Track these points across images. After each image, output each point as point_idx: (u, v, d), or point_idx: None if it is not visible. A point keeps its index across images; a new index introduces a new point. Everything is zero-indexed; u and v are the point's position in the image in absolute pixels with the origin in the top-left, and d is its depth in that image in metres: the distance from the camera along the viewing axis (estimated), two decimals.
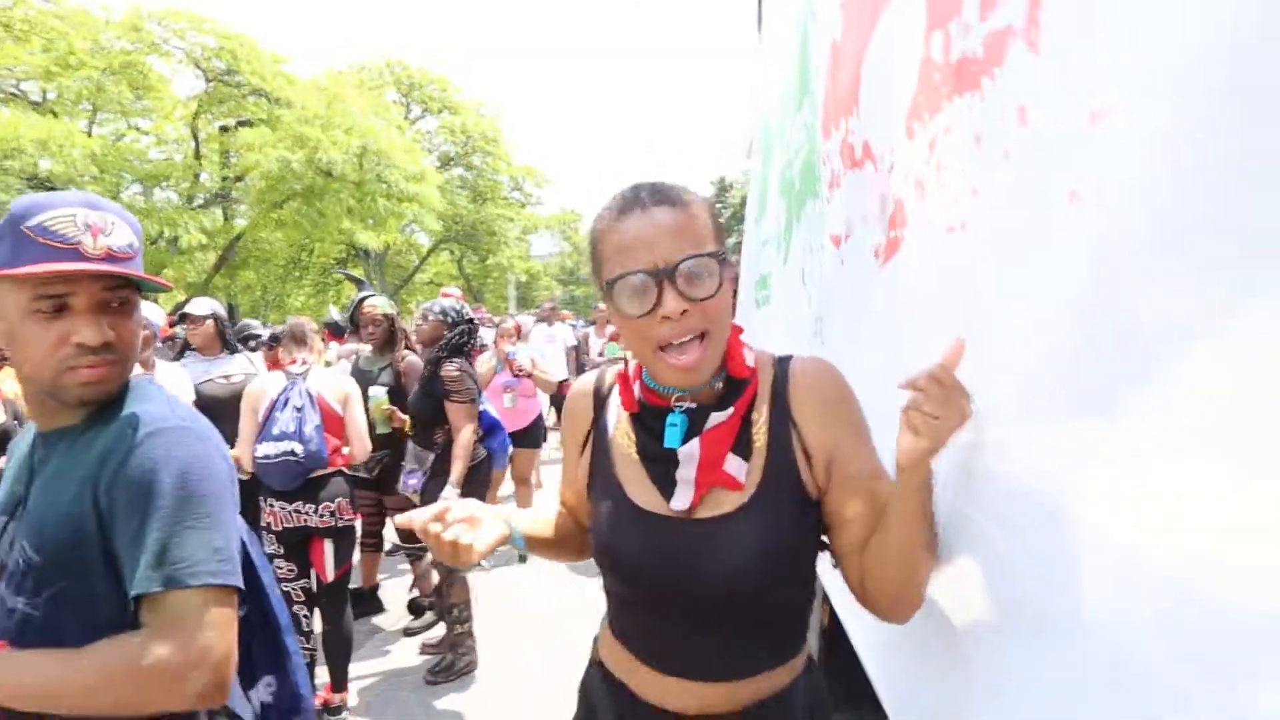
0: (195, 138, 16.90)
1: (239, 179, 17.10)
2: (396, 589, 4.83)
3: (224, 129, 17.35)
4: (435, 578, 4.00)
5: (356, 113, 16.03)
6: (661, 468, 1.15)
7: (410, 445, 3.86)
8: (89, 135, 14.79)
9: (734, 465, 1.10)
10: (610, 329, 7.04)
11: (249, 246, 18.54)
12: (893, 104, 1.51)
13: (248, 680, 1.38)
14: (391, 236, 18.68)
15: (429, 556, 4.32)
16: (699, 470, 1.11)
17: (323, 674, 3.34)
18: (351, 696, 3.48)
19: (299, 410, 3.11)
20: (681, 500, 1.11)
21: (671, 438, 1.13)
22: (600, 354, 7.04)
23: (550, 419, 7.98)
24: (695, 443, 1.11)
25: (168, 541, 1.10)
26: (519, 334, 7.36)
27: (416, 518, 1.09)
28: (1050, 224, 0.90)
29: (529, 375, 5.94)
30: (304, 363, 3.34)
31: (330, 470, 3.22)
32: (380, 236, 17.39)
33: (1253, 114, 0.61)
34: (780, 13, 3.49)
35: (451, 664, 3.79)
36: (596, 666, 1.31)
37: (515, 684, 3.70)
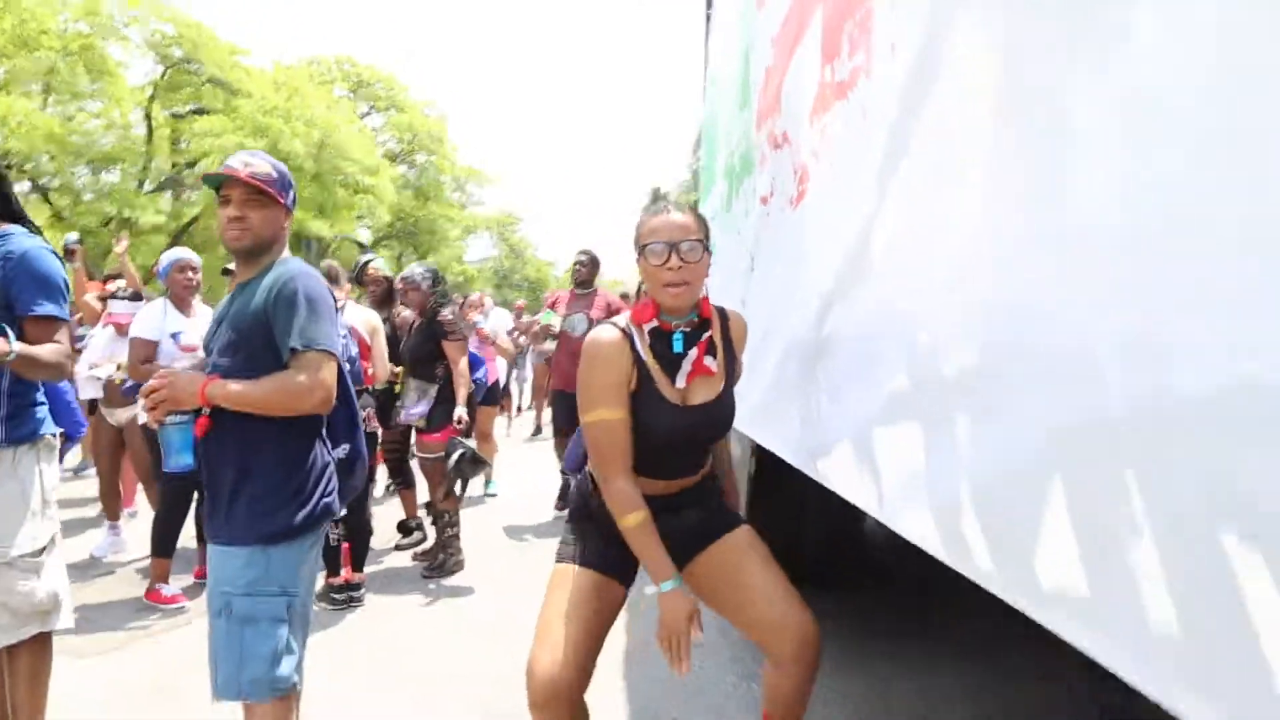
0: (149, 123, 17.11)
1: (190, 165, 17.33)
2: (385, 516, 5.55)
3: (177, 116, 17.56)
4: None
5: (315, 106, 16.47)
6: (673, 370, 1.95)
7: (412, 380, 4.59)
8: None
9: (709, 361, 1.97)
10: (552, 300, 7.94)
11: (201, 231, 18.65)
12: (802, 105, 2.41)
13: (333, 443, 2.24)
14: (348, 227, 19.13)
15: (418, 486, 5.08)
16: (693, 365, 1.95)
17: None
18: None
19: (343, 339, 3.86)
20: (681, 381, 1.95)
21: (677, 346, 1.95)
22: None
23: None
24: (694, 350, 1.95)
25: (304, 327, 2.00)
26: (480, 306, 8.26)
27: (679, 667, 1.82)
28: (873, 177, 1.78)
29: (493, 343, 6.80)
30: (337, 300, 4.09)
31: (359, 387, 3.97)
32: (333, 227, 17.84)
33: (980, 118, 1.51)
34: (727, 38, 4.42)
35: (443, 562, 4.56)
36: (592, 497, 2.06)
37: (494, 576, 4.53)
